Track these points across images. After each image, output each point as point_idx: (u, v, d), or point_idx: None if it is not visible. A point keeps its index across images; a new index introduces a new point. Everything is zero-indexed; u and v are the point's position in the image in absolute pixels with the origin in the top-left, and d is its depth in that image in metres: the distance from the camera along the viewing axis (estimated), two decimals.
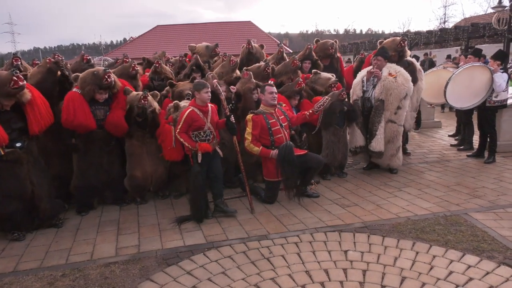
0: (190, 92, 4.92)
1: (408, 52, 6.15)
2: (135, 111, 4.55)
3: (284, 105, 4.97)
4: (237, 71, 5.73)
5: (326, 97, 4.97)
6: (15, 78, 3.67)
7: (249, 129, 4.52)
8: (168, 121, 4.70)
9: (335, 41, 6.58)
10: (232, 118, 4.27)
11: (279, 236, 3.77)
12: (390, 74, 5.45)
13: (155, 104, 4.70)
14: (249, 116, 4.56)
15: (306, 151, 4.81)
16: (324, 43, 6.51)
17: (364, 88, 5.58)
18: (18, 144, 3.85)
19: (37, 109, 3.95)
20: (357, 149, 5.66)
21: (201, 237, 3.81)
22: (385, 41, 6.20)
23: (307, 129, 5.48)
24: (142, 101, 4.49)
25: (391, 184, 5.32)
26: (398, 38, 6.08)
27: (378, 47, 6.06)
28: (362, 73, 5.77)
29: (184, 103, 4.66)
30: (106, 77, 4.38)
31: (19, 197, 3.83)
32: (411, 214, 4.21)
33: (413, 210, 4.32)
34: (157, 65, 5.74)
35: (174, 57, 6.21)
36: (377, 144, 5.47)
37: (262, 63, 5.74)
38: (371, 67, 5.75)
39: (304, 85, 5.35)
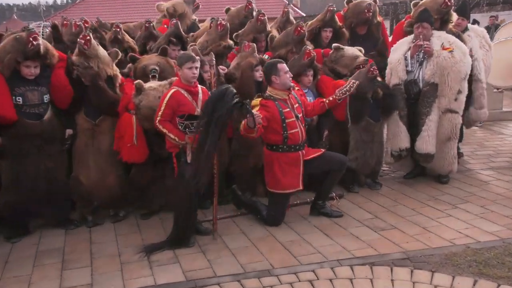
0: (156, 68, 4.87)
1: (454, 16, 6.08)
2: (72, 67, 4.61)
3: (297, 88, 4.96)
4: (228, 40, 5.72)
5: (352, 80, 4.95)
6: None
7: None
8: (128, 109, 4.69)
9: (374, 1, 6.53)
10: None
11: (287, 272, 3.75)
12: (443, 47, 5.42)
13: (106, 67, 4.71)
14: (257, 100, 4.55)
15: (323, 150, 4.82)
16: (357, 5, 6.40)
17: (408, 68, 5.55)
18: None
19: None
20: (402, 152, 5.62)
21: (178, 273, 3.80)
22: (423, 1, 6.12)
23: (329, 123, 5.47)
24: (82, 42, 4.53)
25: (443, 198, 5.31)
26: None
27: (415, 10, 5.97)
28: (402, 47, 5.71)
29: (151, 84, 4.64)
30: (31, 39, 4.34)
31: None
32: (471, 241, 4.20)
33: (473, 235, 4.31)
34: (117, 29, 5.71)
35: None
36: (424, 143, 5.46)
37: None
38: (410, 37, 5.71)
39: (314, 54, 5.33)
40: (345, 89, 4.85)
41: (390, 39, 6.73)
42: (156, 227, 4.74)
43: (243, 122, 4.31)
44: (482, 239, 4.23)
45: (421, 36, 5.48)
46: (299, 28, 5.65)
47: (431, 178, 5.91)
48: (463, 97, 5.56)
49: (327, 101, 4.86)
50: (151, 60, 5.08)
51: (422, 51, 5.46)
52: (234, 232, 4.58)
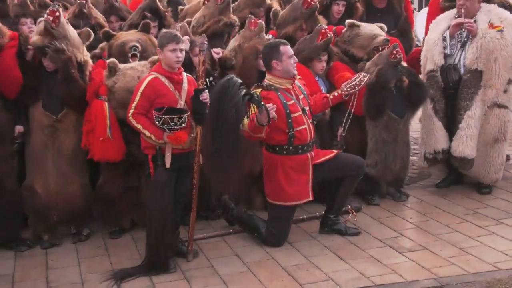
0: (137, 45, 4.90)
1: None
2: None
3: (298, 77, 4.99)
4: (231, 15, 5.75)
5: (363, 73, 4.94)
6: None
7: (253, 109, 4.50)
8: (99, 95, 4.70)
9: None
10: (206, 96, 4.25)
11: None
12: (491, 25, 5.42)
13: (76, 50, 4.73)
14: (257, 92, 4.56)
15: (336, 151, 4.86)
16: None
17: (447, 51, 5.59)
18: None
19: None
20: (437, 154, 5.65)
21: None
22: None
23: (345, 119, 5.47)
24: (50, 19, 4.53)
25: (485, 212, 5.34)
26: None
27: None
28: (441, 24, 5.74)
29: (131, 65, 4.67)
30: None
31: None
32: None
33: None
34: (83, 1, 5.71)
35: None
36: (460, 145, 5.49)
37: None
38: (452, 12, 5.72)
39: (331, 35, 5.35)
40: (353, 83, 4.83)
41: (418, 14, 6.75)
42: (128, 249, 4.75)
43: (247, 120, 4.32)
44: None
45: (462, 11, 5.47)
46: (309, 0, 5.67)
47: (470, 187, 5.95)
48: None
49: (331, 97, 4.87)
50: (130, 36, 5.11)
51: (464, 30, 5.47)
52: (226, 254, 4.59)
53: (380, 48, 5.53)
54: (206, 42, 4.43)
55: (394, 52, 5.21)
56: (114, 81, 4.57)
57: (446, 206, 5.53)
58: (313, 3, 5.66)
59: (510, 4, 5.97)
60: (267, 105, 4.21)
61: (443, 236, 4.81)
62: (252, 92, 4.20)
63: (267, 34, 5.80)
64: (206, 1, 6.05)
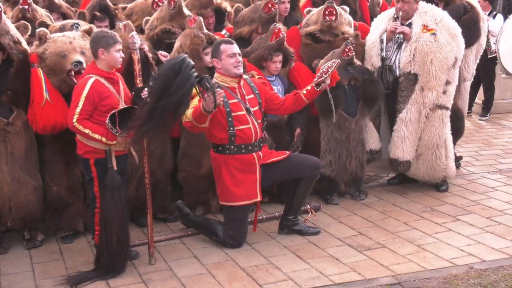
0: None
1: None
2: None
3: (257, 75, 4.99)
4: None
5: (332, 60, 4.89)
6: None
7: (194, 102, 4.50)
8: (32, 63, 4.65)
9: None
10: (146, 94, 4.18)
11: None
12: (425, 27, 5.51)
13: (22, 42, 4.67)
14: (207, 76, 4.55)
15: (288, 152, 4.88)
16: None
17: (383, 54, 5.68)
18: None
19: None
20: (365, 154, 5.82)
21: None
22: None
23: (303, 119, 5.55)
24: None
25: (442, 209, 5.46)
26: None
27: None
28: (380, 25, 5.83)
29: (62, 33, 4.66)
30: None
31: None
32: (475, 260, 4.33)
33: (477, 254, 4.44)
34: (25, 6, 5.57)
35: None
36: (393, 146, 5.66)
37: None
38: (391, 12, 5.80)
39: (284, 35, 5.33)
40: (322, 70, 4.70)
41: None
42: (84, 253, 4.70)
43: (192, 109, 4.30)
44: (487, 257, 4.38)
45: (400, 13, 5.59)
46: (270, 5, 5.60)
47: (428, 185, 6.05)
48: (452, 89, 5.72)
49: (304, 92, 4.76)
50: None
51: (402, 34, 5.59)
52: (184, 256, 4.59)
53: (327, 15, 5.53)
54: (136, 41, 4.43)
55: (347, 49, 5.28)
56: (44, 48, 4.56)
57: (404, 204, 5.64)
58: (273, 8, 5.61)
59: (471, 5, 6.10)
60: (216, 90, 4.19)
61: (401, 233, 4.91)
62: (202, 76, 4.17)
63: (222, 30, 5.82)
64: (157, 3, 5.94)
